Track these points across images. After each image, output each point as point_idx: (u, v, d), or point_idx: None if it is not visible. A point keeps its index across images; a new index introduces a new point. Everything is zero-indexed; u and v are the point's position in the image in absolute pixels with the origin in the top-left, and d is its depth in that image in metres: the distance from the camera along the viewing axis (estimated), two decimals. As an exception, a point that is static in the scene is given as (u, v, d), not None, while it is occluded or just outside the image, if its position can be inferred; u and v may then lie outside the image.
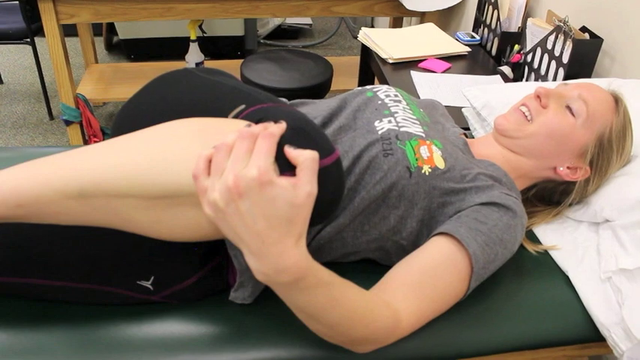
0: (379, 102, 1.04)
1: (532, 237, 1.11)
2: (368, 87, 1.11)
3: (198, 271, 0.88)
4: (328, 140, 0.73)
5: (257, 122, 0.73)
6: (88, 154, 0.72)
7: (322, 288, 0.71)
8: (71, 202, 0.70)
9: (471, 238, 0.87)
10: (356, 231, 0.94)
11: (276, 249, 0.64)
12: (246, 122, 0.72)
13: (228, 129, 0.70)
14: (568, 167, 1.05)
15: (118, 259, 0.84)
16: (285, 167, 0.65)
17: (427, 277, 0.85)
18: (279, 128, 0.66)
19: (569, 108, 1.04)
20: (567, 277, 1.02)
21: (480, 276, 0.89)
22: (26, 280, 0.85)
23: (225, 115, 0.78)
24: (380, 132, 0.96)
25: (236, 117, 0.78)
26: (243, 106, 0.78)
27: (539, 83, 1.47)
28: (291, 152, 0.65)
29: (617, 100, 1.07)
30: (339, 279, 0.75)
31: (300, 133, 0.69)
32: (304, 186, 0.63)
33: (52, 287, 0.86)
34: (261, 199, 0.61)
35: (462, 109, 1.48)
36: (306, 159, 0.64)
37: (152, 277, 0.86)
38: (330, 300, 0.73)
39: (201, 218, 0.70)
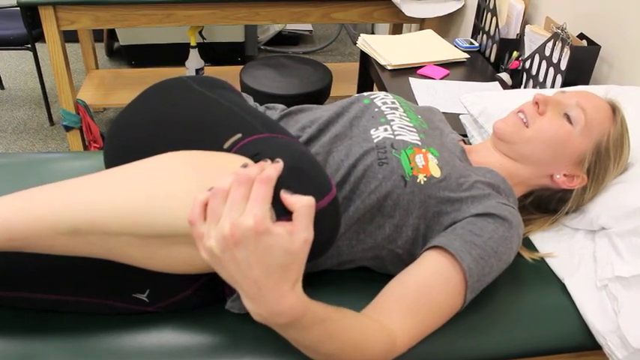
0: (376, 109, 1.04)
1: (528, 244, 1.11)
2: (365, 94, 1.11)
3: (194, 283, 0.88)
4: (325, 176, 0.73)
5: (253, 157, 0.73)
6: (82, 188, 0.72)
7: (319, 325, 0.72)
8: (64, 237, 0.71)
9: (465, 252, 0.87)
10: (351, 240, 0.94)
11: (272, 295, 0.64)
12: (242, 159, 0.72)
13: (224, 166, 0.70)
14: (565, 175, 1.05)
15: (113, 273, 0.84)
16: (282, 212, 0.65)
17: (422, 296, 0.85)
18: (275, 170, 0.65)
19: (566, 116, 1.04)
20: (563, 285, 1.01)
21: (476, 289, 0.89)
22: (21, 295, 0.85)
23: (221, 143, 0.78)
24: (375, 140, 0.96)
25: (232, 146, 0.77)
26: (239, 136, 0.78)
27: (537, 90, 1.47)
28: (288, 198, 0.65)
29: (614, 108, 1.07)
30: (335, 311, 0.75)
31: (297, 173, 0.69)
32: (300, 233, 0.63)
33: (47, 300, 0.86)
34: (258, 248, 0.61)
35: (460, 116, 1.49)
36: (302, 206, 0.63)
37: (147, 290, 0.86)
38: (326, 334, 0.73)
39: (196, 256, 0.70)
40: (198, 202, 0.63)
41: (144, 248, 0.71)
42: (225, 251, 0.62)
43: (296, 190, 0.66)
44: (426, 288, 0.86)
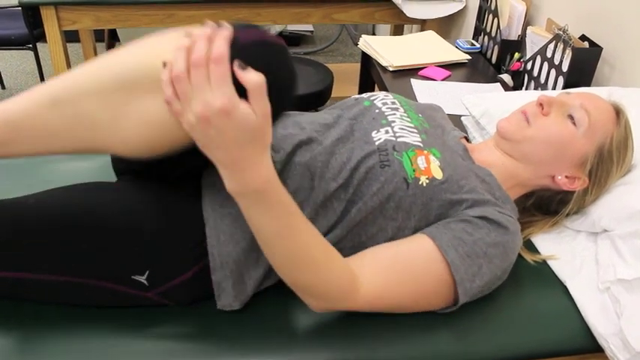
0: (376, 111, 1.04)
1: (530, 246, 1.10)
2: (365, 95, 1.11)
3: (194, 266, 0.88)
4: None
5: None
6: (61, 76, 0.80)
7: (282, 209, 0.78)
8: (44, 110, 0.77)
9: (451, 248, 0.88)
10: (353, 242, 0.94)
11: (245, 162, 0.73)
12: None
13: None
14: (566, 176, 1.05)
15: (112, 252, 0.85)
16: (239, 89, 0.70)
17: (398, 263, 0.88)
18: (224, 40, 0.68)
19: (570, 117, 1.03)
20: (565, 287, 1.01)
21: (469, 290, 0.89)
22: (18, 275, 0.85)
23: None
24: (377, 143, 0.96)
25: None
26: None
27: (539, 92, 1.47)
28: (240, 75, 0.69)
29: (618, 111, 1.06)
30: (302, 215, 0.81)
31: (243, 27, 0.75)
32: (260, 109, 0.70)
33: (44, 283, 0.86)
34: (228, 125, 0.69)
35: (462, 118, 1.48)
36: (254, 83, 0.68)
37: (147, 272, 0.87)
38: (287, 227, 0.78)
39: (162, 113, 0.74)
40: (166, 83, 0.70)
41: (111, 109, 0.76)
42: (201, 130, 0.69)
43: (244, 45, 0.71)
44: (404, 258, 0.89)
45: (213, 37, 0.69)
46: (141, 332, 0.88)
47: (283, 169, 0.93)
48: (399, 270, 0.88)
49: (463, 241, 0.89)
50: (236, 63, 0.69)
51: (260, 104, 0.70)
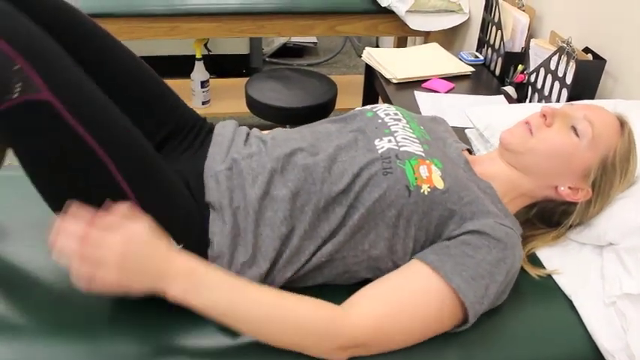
0: (379, 121, 1.05)
1: (535, 260, 1.09)
2: (367, 107, 1.12)
3: (186, 238, 0.91)
4: None
5: None
6: None
7: (220, 275, 0.84)
8: None
9: (455, 274, 0.87)
10: (356, 249, 0.95)
11: (168, 258, 0.81)
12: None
13: None
14: (570, 187, 1.04)
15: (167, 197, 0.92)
16: None
17: (398, 299, 0.87)
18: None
19: (574, 128, 1.03)
20: (570, 301, 1.00)
21: (478, 311, 0.89)
22: (86, 134, 0.85)
23: None
24: (380, 151, 0.97)
25: None
26: None
27: (543, 104, 1.47)
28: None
29: (622, 123, 1.06)
30: (242, 280, 0.85)
31: None
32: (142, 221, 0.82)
33: (92, 161, 0.86)
34: (143, 231, 0.80)
35: (465, 130, 1.48)
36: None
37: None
38: (236, 288, 0.83)
39: None
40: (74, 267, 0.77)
41: None
42: (128, 252, 0.77)
43: None
44: (406, 293, 0.88)
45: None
46: (140, 336, 0.88)
47: (283, 168, 0.96)
48: (400, 304, 0.87)
49: (466, 265, 0.88)
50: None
51: (138, 220, 0.81)
